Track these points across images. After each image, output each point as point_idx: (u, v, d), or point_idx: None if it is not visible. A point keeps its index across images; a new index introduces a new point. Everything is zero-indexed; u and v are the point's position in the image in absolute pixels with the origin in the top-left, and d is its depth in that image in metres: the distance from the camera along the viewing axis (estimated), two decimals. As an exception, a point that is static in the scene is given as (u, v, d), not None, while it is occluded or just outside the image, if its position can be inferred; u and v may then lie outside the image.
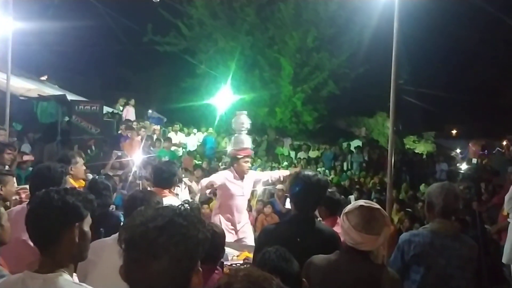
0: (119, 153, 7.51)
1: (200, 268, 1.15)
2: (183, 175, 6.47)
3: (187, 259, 1.09)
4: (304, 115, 15.53)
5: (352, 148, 14.46)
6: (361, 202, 2.12)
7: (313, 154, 14.29)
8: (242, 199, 4.58)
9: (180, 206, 1.15)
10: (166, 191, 3.46)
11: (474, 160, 10.23)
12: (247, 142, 4.51)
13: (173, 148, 10.00)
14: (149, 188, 4.09)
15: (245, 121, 4.60)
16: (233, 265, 3.51)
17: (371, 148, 14.56)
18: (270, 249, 1.98)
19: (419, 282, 2.52)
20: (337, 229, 2.72)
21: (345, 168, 12.89)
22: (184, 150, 11.56)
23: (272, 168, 11.72)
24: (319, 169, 12.27)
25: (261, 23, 15.17)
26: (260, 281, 0.85)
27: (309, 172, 2.57)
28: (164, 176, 3.46)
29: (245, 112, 4.75)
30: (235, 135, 4.61)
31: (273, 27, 15.07)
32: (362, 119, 19.47)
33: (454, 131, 25.81)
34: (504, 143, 17.32)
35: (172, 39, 15.40)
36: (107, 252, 2.05)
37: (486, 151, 16.96)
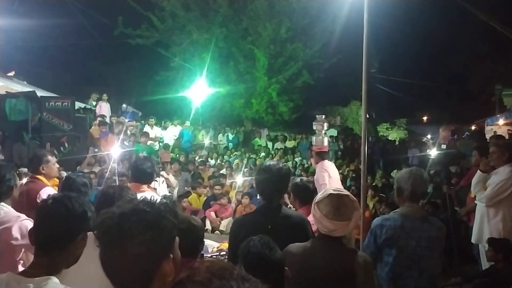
0: (95, 149, 7.38)
1: (171, 255, 1.17)
2: (161, 169, 6.45)
3: (154, 245, 1.11)
4: (280, 105, 15.63)
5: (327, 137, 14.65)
6: (330, 190, 2.17)
7: (289, 144, 14.44)
8: None
9: (150, 197, 1.20)
10: (145, 186, 3.45)
11: (444, 146, 10.58)
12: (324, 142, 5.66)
13: (149, 142, 9.89)
14: (128, 184, 4.07)
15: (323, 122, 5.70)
16: (213, 256, 3.57)
17: (346, 136, 14.82)
18: (255, 237, 2.01)
19: (391, 264, 2.63)
20: (311, 218, 2.80)
21: (321, 157, 13.04)
22: (160, 144, 11.45)
23: (249, 159, 11.80)
24: (296, 159, 12.42)
25: (235, 14, 15.06)
26: (221, 272, 0.87)
27: (271, 162, 2.63)
28: (142, 171, 3.45)
29: (323, 115, 5.95)
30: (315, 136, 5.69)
31: (247, 18, 14.99)
32: (336, 108, 19.76)
33: (425, 118, 26.53)
34: (473, 127, 17.97)
35: (144, 31, 15.09)
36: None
37: (455, 136, 17.52)
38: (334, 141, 14.10)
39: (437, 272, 2.75)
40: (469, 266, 5.04)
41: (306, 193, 3.20)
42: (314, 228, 2.60)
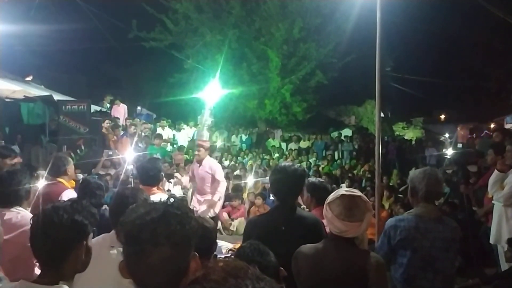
0: (110, 152, 7.48)
1: (196, 253, 1.22)
2: (175, 171, 6.50)
3: (185, 245, 1.17)
4: (294, 106, 15.57)
5: (342, 137, 14.56)
6: (342, 191, 2.17)
7: (303, 144, 14.38)
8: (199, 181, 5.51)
9: (170, 199, 1.23)
10: (154, 188, 3.48)
11: (460, 145, 10.37)
12: (206, 135, 5.77)
13: (162, 144, 9.99)
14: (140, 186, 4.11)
15: (207, 118, 5.83)
16: (226, 257, 3.57)
17: (361, 136, 14.67)
18: (245, 244, 2.04)
19: (405, 265, 2.60)
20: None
21: (336, 157, 12.99)
22: (174, 145, 11.54)
23: (263, 160, 11.80)
24: (310, 160, 12.36)
25: (247, 15, 15.09)
26: (236, 271, 0.88)
27: (286, 163, 2.64)
28: (150, 174, 3.48)
29: (208, 110, 5.92)
30: (198, 129, 5.59)
31: (259, 19, 14.99)
32: (351, 108, 19.57)
33: (442, 116, 26.09)
34: (492, 126, 17.55)
35: (157, 34, 15.26)
36: (97, 250, 2.07)
37: (474, 134, 17.17)
38: (348, 141, 13.98)
39: (452, 273, 2.71)
40: (488, 267, 4.93)
41: (323, 194, 3.19)
42: (328, 229, 2.59)
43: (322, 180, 3.43)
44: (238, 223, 6.84)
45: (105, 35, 15.22)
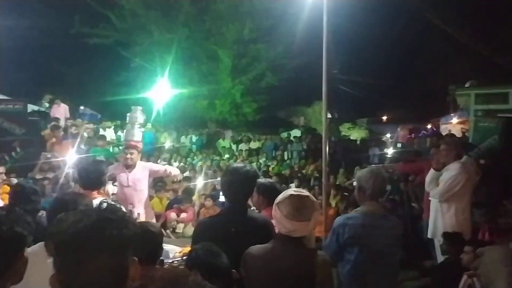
0: (49, 155, 7.03)
1: (135, 258, 1.17)
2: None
3: (123, 250, 1.12)
4: (244, 106, 15.63)
5: (291, 138, 14.83)
6: (291, 191, 2.20)
7: (254, 145, 14.46)
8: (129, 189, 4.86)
9: (102, 204, 1.18)
10: (95, 192, 3.32)
11: (399, 144, 10.99)
12: (137, 135, 4.88)
13: (107, 145, 9.59)
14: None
15: (139, 115, 4.94)
16: (175, 262, 3.48)
17: (309, 136, 15.04)
18: (197, 246, 2.01)
19: (353, 262, 2.68)
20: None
21: (285, 157, 13.20)
22: (119, 147, 11.11)
23: (213, 161, 11.70)
24: (260, 160, 12.45)
25: (197, 14, 14.90)
26: (175, 279, 0.85)
27: (237, 164, 2.64)
28: (91, 177, 3.31)
29: (140, 107, 5.08)
30: (127, 128, 4.94)
31: (210, 18, 14.87)
32: (300, 109, 20.02)
33: (384, 117, 27.38)
34: (429, 126, 18.72)
35: (102, 31, 14.61)
36: (33, 260, 1.93)
37: (412, 134, 18.17)
38: (298, 141, 14.27)
39: (396, 267, 2.83)
40: (426, 260, 5.23)
41: (273, 194, 3.20)
42: (277, 229, 2.61)
43: (272, 181, 3.45)
44: (186, 226, 6.71)
45: (45, 30, 14.31)
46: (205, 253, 1.89)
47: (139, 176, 4.85)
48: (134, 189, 4.80)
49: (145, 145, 12.21)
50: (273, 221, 2.66)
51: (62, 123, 10.68)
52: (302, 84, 16.71)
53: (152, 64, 14.68)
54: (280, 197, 2.18)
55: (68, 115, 11.48)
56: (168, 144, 13.13)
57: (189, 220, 6.59)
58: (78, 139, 8.02)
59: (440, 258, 4.34)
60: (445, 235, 4.13)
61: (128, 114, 4.96)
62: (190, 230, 6.38)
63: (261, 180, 3.33)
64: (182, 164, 10.96)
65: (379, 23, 17.39)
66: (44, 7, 13.42)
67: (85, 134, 9.56)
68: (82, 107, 13.38)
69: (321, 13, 4.85)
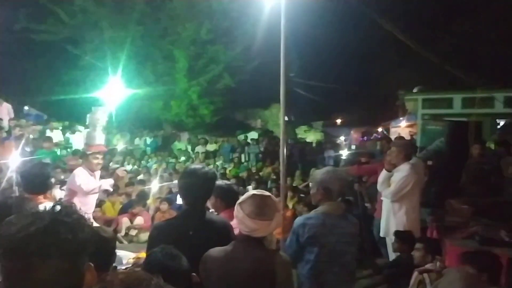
0: (-12, 158, 6.50)
1: (91, 264, 1.11)
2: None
3: (78, 255, 1.06)
4: (201, 108, 15.45)
5: (249, 140, 14.86)
6: (253, 191, 2.20)
7: (211, 147, 14.33)
8: (93, 196, 4.59)
9: (56, 206, 1.10)
10: (41, 196, 3.13)
11: (353, 146, 11.36)
12: (99, 138, 4.53)
13: (54, 147, 9.06)
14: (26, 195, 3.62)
15: (101, 117, 4.60)
16: (128, 268, 3.32)
17: (267, 139, 15.14)
18: (156, 249, 1.95)
19: (313, 261, 2.70)
20: (235, 221, 2.76)
21: (242, 160, 13.19)
22: (68, 149, 10.56)
23: (168, 164, 11.44)
24: (217, 162, 12.35)
25: (152, 12, 14.53)
26: (137, 283, 0.81)
27: (196, 166, 2.57)
28: (36, 181, 3.12)
29: (102, 108, 4.76)
30: (88, 130, 4.59)
31: (166, 17, 14.56)
32: (257, 111, 20.13)
33: (338, 120, 28.24)
34: (380, 129, 19.52)
35: (50, 26, 13.84)
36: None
37: (365, 137, 18.85)
38: (255, 143, 14.32)
39: (354, 266, 2.89)
40: (379, 258, 5.40)
41: (231, 196, 3.17)
42: (236, 231, 2.57)
43: (229, 183, 3.41)
44: (140, 231, 6.48)
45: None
46: (164, 256, 1.83)
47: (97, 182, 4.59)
48: (95, 197, 4.56)
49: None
50: (233, 223, 2.63)
51: (5, 123, 9.96)
52: (259, 86, 16.80)
53: (103, 62, 14.09)
54: (243, 197, 2.18)
55: (12, 115, 10.73)
56: (121, 146, 12.66)
57: (145, 226, 6.36)
58: (23, 141, 7.51)
59: (392, 256, 4.49)
60: (397, 233, 4.28)
61: (88, 115, 4.63)
62: (144, 235, 6.16)
63: (218, 182, 3.28)
64: (136, 167, 10.62)
65: (334, 29, 17.92)
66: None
67: (31, 136, 8.96)
68: (26, 107, 12.55)
69: (278, 16, 4.90)
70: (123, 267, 3.15)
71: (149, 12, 14.40)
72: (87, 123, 4.63)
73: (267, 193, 2.20)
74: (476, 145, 5.67)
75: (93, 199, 4.60)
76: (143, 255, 3.69)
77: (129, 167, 10.36)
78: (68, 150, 10.48)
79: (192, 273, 1.90)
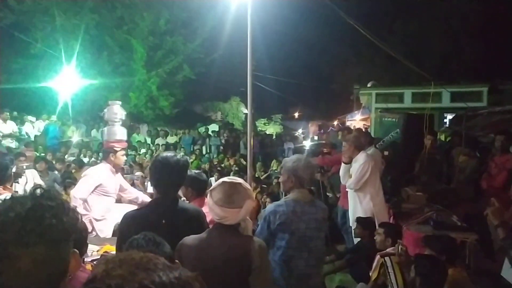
0: None
1: (76, 250, 1.05)
2: (25, 168, 5.61)
3: (63, 241, 0.99)
4: (160, 100, 15.10)
5: (209, 132, 14.77)
6: (225, 178, 2.20)
7: (171, 139, 14.10)
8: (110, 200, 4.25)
9: (37, 189, 1.03)
10: (0, 187, 2.97)
11: (316, 137, 11.66)
12: (121, 133, 4.26)
13: (7, 139, 8.54)
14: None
15: (118, 111, 4.34)
16: (94, 261, 3.24)
17: (227, 131, 15.15)
18: (138, 236, 1.90)
19: (284, 247, 2.75)
20: (205, 209, 2.77)
21: (204, 151, 13.11)
22: (20, 141, 9.98)
23: (128, 156, 11.13)
24: (178, 155, 12.18)
25: (108, 0, 13.95)
26: (144, 262, 0.77)
27: (167, 154, 2.53)
28: None
29: (119, 102, 4.49)
30: (108, 126, 4.29)
31: (121, 6, 14.02)
32: (217, 104, 20.04)
33: (296, 114, 28.75)
34: (335, 123, 20.11)
35: (-5, 11, 12.89)
36: None
37: (322, 130, 19.36)
38: (216, 136, 14.28)
39: (323, 251, 2.99)
40: (339, 244, 5.63)
41: (201, 185, 3.17)
42: (208, 218, 2.58)
43: (198, 172, 3.40)
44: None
45: None
46: (147, 242, 1.79)
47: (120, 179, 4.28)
48: (110, 201, 4.18)
49: (49, 139, 11.27)
50: (205, 209, 2.65)
51: None
52: (219, 79, 16.73)
53: (56, 51, 13.34)
54: (214, 184, 2.17)
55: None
56: (76, 138, 12.13)
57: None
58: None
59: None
60: (358, 219, 4.48)
61: (105, 110, 4.31)
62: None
63: (188, 172, 3.27)
64: (93, 159, 10.24)
65: (292, 23, 18.18)
66: None
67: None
68: (-30, 97, 11.65)
69: (238, 8, 4.95)
70: (89, 259, 3.07)
71: (103, 0, 13.81)
72: (104, 119, 4.30)
73: (238, 180, 2.18)
74: (429, 136, 6.03)
75: (107, 203, 4.20)
76: (108, 247, 3.61)
77: (86, 160, 9.96)
78: (20, 141, 9.92)
79: (174, 259, 1.88)
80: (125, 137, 4.30)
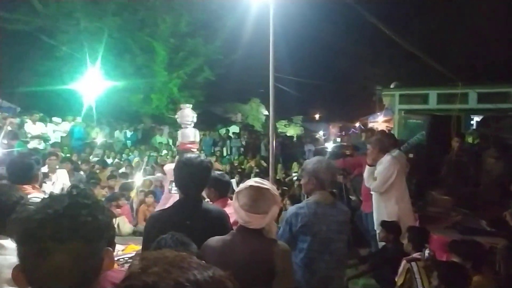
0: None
1: (110, 248, 1.08)
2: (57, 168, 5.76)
3: (98, 239, 1.03)
4: (181, 101, 15.21)
5: (230, 134, 14.82)
6: (252, 181, 2.16)
7: (192, 141, 14.18)
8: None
9: (73, 188, 1.07)
10: (28, 187, 3.02)
11: (338, 139, 11.54)
12: (194, 135, 4.43)
13: (36, 140, 8.81)
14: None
15: (190, 114, 4.50)
16: (120, 260, 3.28)
17: (247, 133, 15.17)
18: (166, 235, 1.92)
19: (306, 250, 2.72)
20: (228, 210, 2.76)
21: (224, 153, 13.15)
22: (47, 142, 10.25)
23: (149, 157, 11.28)
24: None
25: (129, 3, 14.20)
26: (178, 261, 0.77)
27: (191, 155, 2.54)
28: (21, 170, 3.02)
29: (190, 105, 4.64)
30: (182, 129, 4.47)
31: (143, 9, 14.27)
32: (237, 105, 20.11)
33: (317, 115, 28.57)
34: (357, 124, 19.87)
35: (22, 16, 13.30)
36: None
37: (343, 132, 19.16)
38: (236, 137, 14.32)
39: (345, 254, 2.94)
40: (361, 248, 5.52)
41: (224, 186, 3.18)
42: (231, 220, 2.57)
43: (222, 173, 3.41)
44: (122, 223, 6.38)
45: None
46: (175, 242, 1.80)
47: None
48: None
49: (74, 141, 11.53)
50: (229, 212, 2.63)
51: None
52: (239, 80, 16.77)
53: (81, 53, 13.68)
54: (241, 186, 2.15)
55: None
56: (100, 139, 12.38)
57: (123, 215, 6.26)
58: (2, 133, 7.23)
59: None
60: (383, 223, 4.38)
61: (178, 114, 4.51)
62: (125, 226, 6.09)
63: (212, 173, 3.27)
64: (117, 160, 10.42)
65: (314, 24, 18.05)
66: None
67: (8, 128, 8.64)
68: (-1, 100, 12.06)
69: (258, 9, 4.96)
70: (115, 259, 3.09)
71: (125, 3, 14.07)
72: (178, 122, 4.48)
73: (266, 185, 2.13)
74: (457, 138, 5.86)
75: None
76: (132, 247, 3.66)
77: (109, 161, 10.15)
78: (47, 142, 10.18)
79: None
80: (197, 139, 4.50)
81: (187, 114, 4.48)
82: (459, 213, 4.65)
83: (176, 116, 4.54)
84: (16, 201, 1.86)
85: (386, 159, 4.46)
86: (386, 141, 4.72)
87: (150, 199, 6.51)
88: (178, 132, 4.57)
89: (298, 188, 6.96)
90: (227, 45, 15.19)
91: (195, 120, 4.53)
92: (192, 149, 4.32)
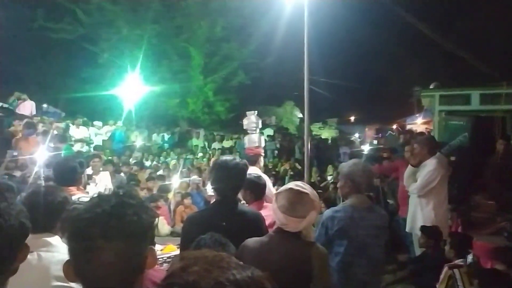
0: (15, 153, 6.64)
1: (153, 247, 1.12)
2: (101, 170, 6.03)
3: (141, 238, 1.06)
4: (216, 105, 15.51)
5: (265, 137, 14.83)
6: (292, 184, 2.17)
7: (227, 144, 14.37)
8: None
9: (119, 189, 1.14)
10: (73, 188, 3.18)
11: (375, 141, 11.29)
12: (259, 140, 4.58)
13: (79, 143, 9.25)
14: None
15: (255, 120, 4.66)
16: (159, 259, 3.38)
17: (281, 135, 15.15)
18: (205, 236, 1.96)
19: (342, 254, 2.70)
20: (264, 212, 2.78)
21: (259, 156, 13.17)
22: (90, 145, 10.73)
23: (186, 160, 11.54)
24: (234, 159, 12.39)
25: (167, 11, 14.64)
26: (218, 261, 0.80)
27: (227, 157, 2.59)
28: (66, 172, 3.19)
29: (255, 112, 4.79)
30: (248, 134, 4.64)
31: (180, 15, 14.66)
32: (271, 108, 20.12)
33: (352, 118, 28.04)
34: (394, 126, 19.31)
35: (67, 25, 14.03)
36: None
37: (380, 134, 18.67)
38: (271, 140, 14.34)
39: (382, 258, 2.88)
40: (399, 254, 5.38)
41: (260, 189, 3.20)
42: (267, 222, 2.59)
43: (258, 175, 3.43)
44: (160, 224, 6.55)
45: (6, 24, 13.53)
46: (214, 242, 1.84)
47: None
48: None
49: (115, 144, 11.99)
50: (264, 213, 2.65)
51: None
52: (273, 83, 16.81)
53: (121, 60, 14.26)
54: (282, 188, 2.17)
55: (34, 112, 10.92)
56: (139, 142, 12.81)
57: (162, 216, 6.43)
58: (48, 137, 7.64)
59: (418, 251, 4.46)
60: (423, 228, 4.24)
61: (244, 120, 4.72)
62: (163, 227, 6.25)
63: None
64: (155, 162, 10.74)
65: (348, 26, 17.79)
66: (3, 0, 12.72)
67: (55, 132, 9.13)
68: (45, 105, 12.72)
69: (291, 12, 4.97)
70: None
71: (163, 11, 14.51)
72: (244, 128, 4.68)
73: (306, 190, 2.11)
74: (502, 140, 5.59)
75: None
76: (171, 247, 3.75)
77: (148, 163, 10.48)
78: (90, 145, 10.65)
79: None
80: (263, 143, 4.62)
81: (253, 120, 4.62)
82: (504, 219, 4.42)
83: (243, 123, 4.69)
84: (61, 201, 1.94)
85: (431, 162, 4.33)
86: (435, 142, 4.61)
87: (187, 200, 6.66)
88: (244, 137, 4.72)
89: (334, 191, 6.87)
90: (261, 49, 15.28)
91: (260, 126, 4.67)
92: (258, 153, 4.43)
